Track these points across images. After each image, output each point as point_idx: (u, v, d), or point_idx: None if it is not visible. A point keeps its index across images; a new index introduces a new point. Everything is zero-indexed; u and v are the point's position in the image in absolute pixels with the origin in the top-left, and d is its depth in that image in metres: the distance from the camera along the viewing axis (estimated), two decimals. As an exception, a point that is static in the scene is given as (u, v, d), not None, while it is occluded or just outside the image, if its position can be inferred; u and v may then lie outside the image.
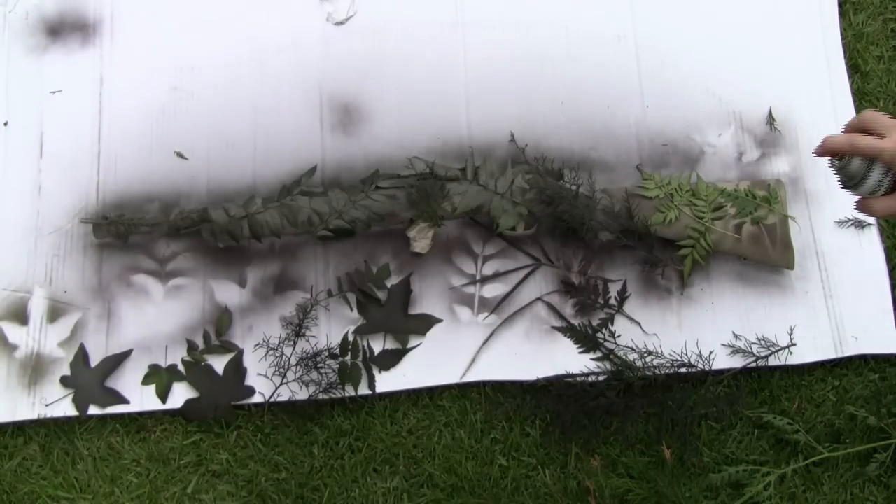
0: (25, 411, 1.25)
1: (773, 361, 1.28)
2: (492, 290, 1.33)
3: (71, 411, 1.25)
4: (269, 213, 1.28)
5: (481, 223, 1.34)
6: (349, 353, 1.28)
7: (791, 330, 1.29)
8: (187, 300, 1.31)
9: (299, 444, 1.26)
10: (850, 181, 0.95)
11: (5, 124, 1.39)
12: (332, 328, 1.30)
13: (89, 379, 1.27)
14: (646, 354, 1.28)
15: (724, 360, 1.29)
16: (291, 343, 1.29)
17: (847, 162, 0.94)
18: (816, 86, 1.43)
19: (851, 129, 0.96)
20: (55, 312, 1.30)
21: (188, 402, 1.26)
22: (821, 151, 0.96)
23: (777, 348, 1.28)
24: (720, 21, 1.45)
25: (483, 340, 1.30)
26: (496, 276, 1.33)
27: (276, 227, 1.28)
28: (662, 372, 1.26)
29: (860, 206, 0.96)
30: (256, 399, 1.27)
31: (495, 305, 1.32)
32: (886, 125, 0.92)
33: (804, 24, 1.46)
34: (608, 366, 1.28)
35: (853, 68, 1.45)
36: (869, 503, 1.25)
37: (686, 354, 1.28)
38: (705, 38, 1.44)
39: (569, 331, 1.30)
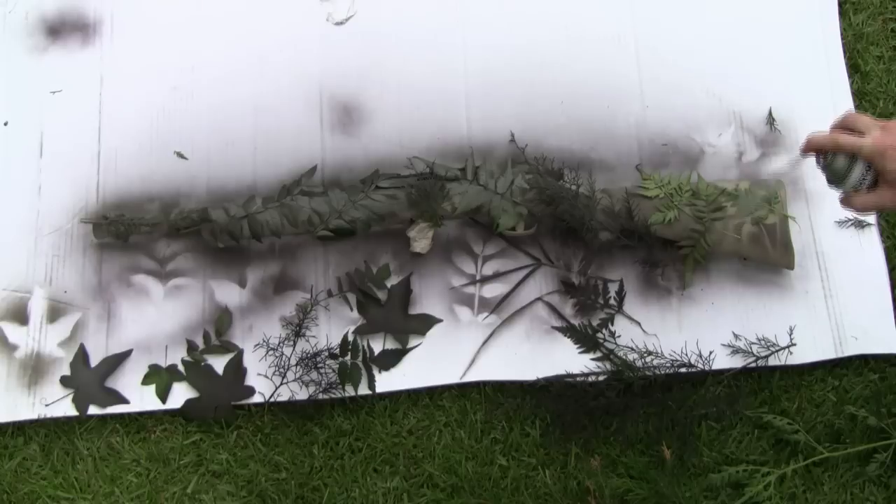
0: (25, 411, 1.25)
1: (773, 361, 1.28)
2: (492, 290, 1.33)
3: (71, 411, 1.25)
4: (269, 213, 1.28)
5: (481, 223, 1.34)
6: (349, 353, 1.28)
7: (791, 330, 1.29)
8: (187, 300, 1.31)
9: (299, 444, 1.26)
10: (834, 177, 1.02)
11: (5, 124, 1.39)
12: (332, 328, 1.30)
13: (89, 379, 1.27)
14: (646, 354, 1.28)
15: (724, 360, 1.29)
16: (291, 343, 1.29)
17: (832, 159, 1.01)
18: (816, 86, 1.43)
19: (835, 128, 1.03)
20: (55, 312, 1.30)
21: (188, 402, 1.26)
22: (805, 148, 1.03)
23: (777, 348, 1.28)
24: (720, 21, 1.45)
25: (483, 340, 1.30)
26: (496, 276, 1.33)
27: (276, 227, 1.28)
28: (662, 372, 1.26)
29: (843, 202, 1.03)
30: (256, 399, 1.27)
31: (495, 305, 1.32)
32: (867, 124, 0.99)
33: (804, 24, 1.46)
34: (608, 366, 1.28)
35: (853, 68, 1.45)
36: (869, 503, 1.25)
37: (686, 354, 1.28)
38: (705, 38, 1.44)
39: (569, 331, 1.30)
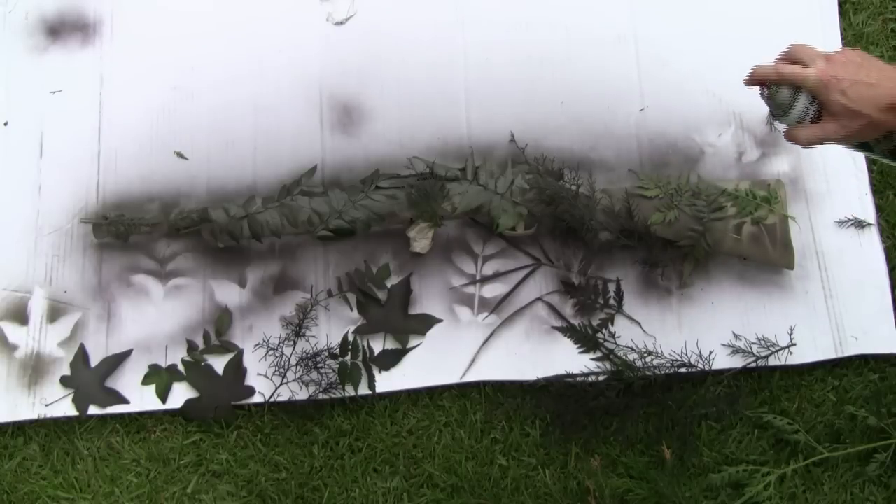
0: (25, 411, 1.25)
1: (773, 361, 1.28)
2: (492, 290, 1.33)
3: (71, 411, 1.25)
4: (269, 213, 1.28)
5: (481, 223, 1.34)
6: (349, 353, 1.28)
7: (791, 330, 1.29)
8: (187, 300, 1.31)
9: (299, 444, 1.26)
10: (778, 110, 1.00)
11: (5, 124, 1.39)
12: (332, 328, 1.30)
13: (89, 379, 1.27)
14: (646, 354, 1.28)
15: (724, 360, 1.29)
16: (291, 343, 1.29)
17: (776, 91, 0.99)
18: (816, 86, 1.42)
19: (781, 59, 1.00)
20: (55, 312, 1.30)
21: (188, 402, 1.26)
22: (749, 80, 1.02)
23: (777, 348, 1.28)
24: (720, 21, 1.45)
25: (483, 340, 1.30)
26: (496, 276, 1.33)
27: (276, 227, 1.28)
28: (662, 372, 1.26)
29: (787, 135, 1.00)
30: (256, 399, 1.27)
31: (495, 305, 1.32)
32: (811, 55, 0.97)
33: (804, 24, 1.46)
34: (608, 366, 1.28)
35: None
36: (869, 503, 1.25)
37: (686, 354, 1.28)
38: (705, 38, 1.44)
39: (569, 331, 1.30)
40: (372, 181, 1.30)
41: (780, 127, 1.03)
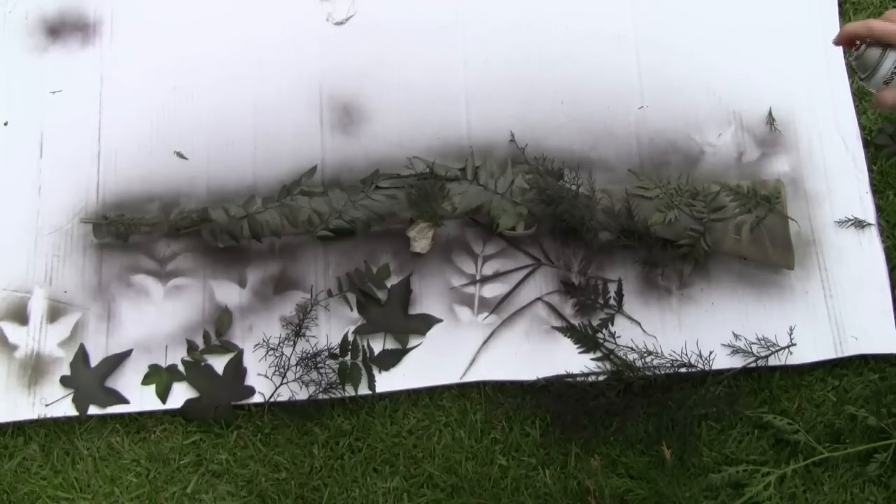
0: (25, 411, 1.25)
1: (773, 361, 1.28)
2: (492, 290, 1.33)
3: (71, 411, 1.26)
4: (269, 213, 1.28)
5: (481, 223, 1.34)
6: (349, 353, 1.28)
7: (791, 330, 1.29)
8: (187, 300, 1.31)
9: (299, 444, 1.26)
10: (864, 72, 0.98)
11: (5, 124, 1.39)
12: (332, 328, 1.30)
13: (89, 379, 1.27)
14: (646, 354, 1.28)
15: (724, 360, 1.29)
16: (291, 343, 1.29)
17: (863, 51, 0.97)
18: (816, 86, 1.43)
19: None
20: (55, 312, 1.30)
21: (188, 402, 1.26)
22: (838, 37, 1.00)
23: (777, 348, 1.28)
24: (720, 21, 1.45)
25: (483, 340, 1.30)
26: (496, 276, 1.33)
27: (276, 227, 1.28)
28: (662, 372, 1.26)
29: (874, 100, 0.98)
30: (256, 399, 1.27)
31: (495, 305, 1.32)
32: None
33: (804, 24, 1.46)
34: (608, 366, 1.28)
35: (853, 68, 1.45)
36: (869, 503, 1.25)
37: (686, 354, 1.28)
38: (705, 37, 1.44)
39: (569, 331, 1.30)
40: (372, 181, 1.30)
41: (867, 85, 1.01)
